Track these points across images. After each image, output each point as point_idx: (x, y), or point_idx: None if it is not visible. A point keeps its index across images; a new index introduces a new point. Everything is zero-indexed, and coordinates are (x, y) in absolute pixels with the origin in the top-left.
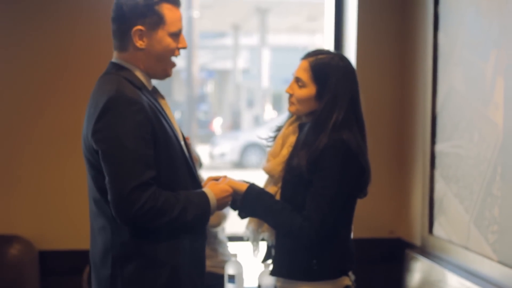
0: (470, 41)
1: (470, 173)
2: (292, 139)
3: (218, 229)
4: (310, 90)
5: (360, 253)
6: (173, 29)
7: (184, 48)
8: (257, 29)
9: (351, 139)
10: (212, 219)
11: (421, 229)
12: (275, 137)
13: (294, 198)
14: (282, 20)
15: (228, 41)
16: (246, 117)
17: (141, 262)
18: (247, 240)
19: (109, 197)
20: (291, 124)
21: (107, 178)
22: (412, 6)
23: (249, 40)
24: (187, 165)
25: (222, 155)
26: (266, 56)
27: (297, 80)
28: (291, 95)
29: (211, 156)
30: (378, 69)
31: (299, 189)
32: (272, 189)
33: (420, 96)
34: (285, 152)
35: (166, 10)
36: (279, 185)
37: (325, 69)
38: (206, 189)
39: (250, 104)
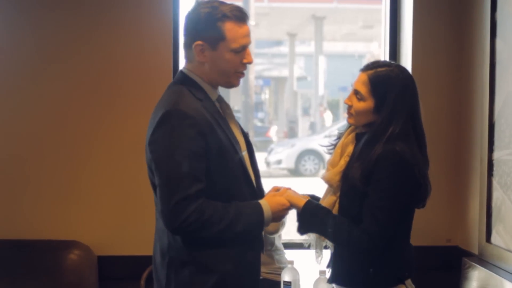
0: None
1: None
2: (350, 148)
3: (275, 236)
4: (368, 103)
5: (417, 261)
6: (235, 45)
7: (249, 63)
8: (313, 36)
9: (405, 150)
10: (270, 226)
11: (479, 238)
12: (335, 146)
13: (351, 208)
14: (338, 28)
15: (284, 49)
16: (302, 125)
17: (192, 267)
18: (309, 247)
19: (159, 207)
20: (350, 133)
21: (157, 188)
22: (469, 13)
23: (305, 47)
24: (245, 176)
25: (278, 162)
26: (322, 63)
27: (356, 92)
28: (350, 107)
29: (267, 163)
30: (434, 76)
31: (355, 200)
32: (331, 199)
33: (478, 103)
34: (343, 162)
35: (228, 26)
36: (338, 194)
37: (384, 83)
38: (262, 201)
39: (306, 111)
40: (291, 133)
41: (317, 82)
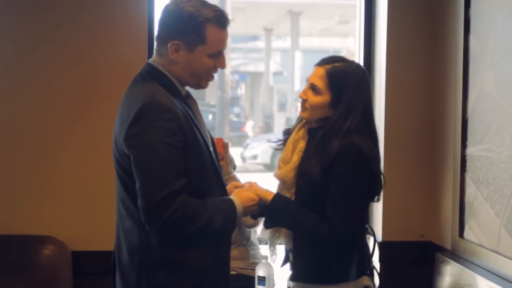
0: (501, 44)
1: (501, 177)
2: (302, 144)
3: (251, 231)
4: (324, 97)
5: (391, 256)
6: (212, 50)
7: (221, 67)
8: (289, 32)
9: (363, 143)
10: (249, 220)
11: (452, 233)
12: (285, 141)
13: (309, 203)
14: (314, 23)
15: (260, 44)
16: (278, 120)
17: (168, 268)
18: (265, 243)
19: (139, 203)
20: (300, 128)
21: (137, 184)
22: (443, 9)
23: (281, 43)
24: (215, 172)
25: (254, 157)
26: (298, 59)
27: (312, 86)
28: (304, 101)
29: (243, 158)
30: (409, 72)
31: (313, 195)
32: (285, 195)
33: (451, 99)
34: (296, 158)
35: (210, 31)
36: (293, 190)
37: (341, 77)
38: (233, 197)
39: (282, 107)
40: (267, 128)
41: (293, 77)
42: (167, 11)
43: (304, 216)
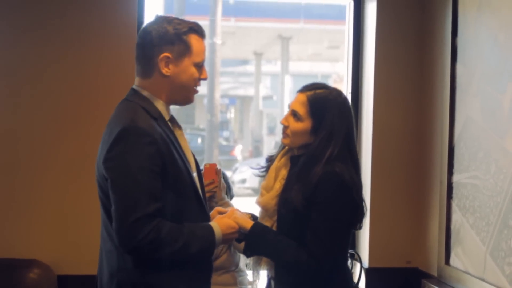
0: (487, 72)
1: (487, 204)
2: (284, 172)
3: (240, 257)
4: (306, 124)
5: (377, 282)
6: (198, 59)
7: (205, 79)
8: (279, 56)
9: (344, 171)
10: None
11: (438, 260)
12: (267, 168)
13: (291, 231)
14: (304, 48)
15: (250, 68)
16: (267, 144)
17: None
18: (248, 269)
19: (113, 225)
20: (282, 156)
21: (113, 207)
22: (430, 37)
23: (271, 67)
24: (196, 197)
25: (243, 181)
26: (288, 83)
27: (293, 113)
28: (286, 127)
29: (232, 182)
30: (396, 99)
31: (295, 223)
32: (267, 223)
33: (438, 126)
34: (278, 185)
35: (193, 40)
36: (274, 218)
37: (323, 104)
38: (213, 223)
39: (272, 131)
40: (256, 152)
41: (283, 101)
42: (148, 30)
43: (282, 245)
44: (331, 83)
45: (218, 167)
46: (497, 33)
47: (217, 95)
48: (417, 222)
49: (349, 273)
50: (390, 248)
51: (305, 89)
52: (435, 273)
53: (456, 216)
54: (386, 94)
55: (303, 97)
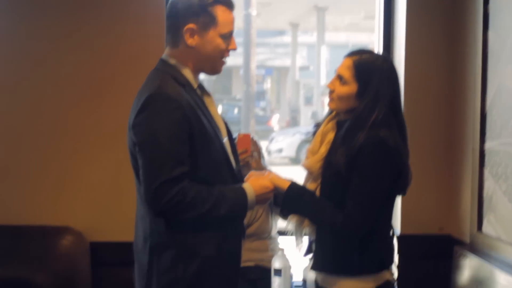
0: None
1: None
2: (330, 136)
3: (273, 225)
4: (351, 88)
5: (409, 249)
6: (224, 30)
7: (233, 49)
8: (315, 27)
9: (389, 137)
10: None
11: (470, 227)
12: (314, 133)
13: (333, 194)
14: (340, 18)
15: (286, 38)
16: (304, 114)
17: (175, 251)
18: (290, 234)
19: (142, 189)
20: (329, 121)
21: (140, 171)
22: (461, 4)
23: (307, 38)
24: (227, 161)
25: (279, 151)
26: (324, 53)
27: (339, 77)
28: (332, 91)
29: (268, 152)
30: (427, 68)
31: (337, 186)
32: (311, 186)
33: (470, 94)
34: (324, 149)
35: (219, 11)
36: (319, 181)
37: (368, 68)
38: (245, 185)
39: (308, 101)
40: (293, 122)
41: (319, 72)
42: (175, 2)
43: (319, 205)
44: None
45: (253, 137)
46: None
47: (253, 65)
48: (449, 189)
49: (390, 240)
50: (422, 215)
51: (352, 53)
52: (467, 240)
53: (488, 183)
54: (417, 62)
55: (349, 61)
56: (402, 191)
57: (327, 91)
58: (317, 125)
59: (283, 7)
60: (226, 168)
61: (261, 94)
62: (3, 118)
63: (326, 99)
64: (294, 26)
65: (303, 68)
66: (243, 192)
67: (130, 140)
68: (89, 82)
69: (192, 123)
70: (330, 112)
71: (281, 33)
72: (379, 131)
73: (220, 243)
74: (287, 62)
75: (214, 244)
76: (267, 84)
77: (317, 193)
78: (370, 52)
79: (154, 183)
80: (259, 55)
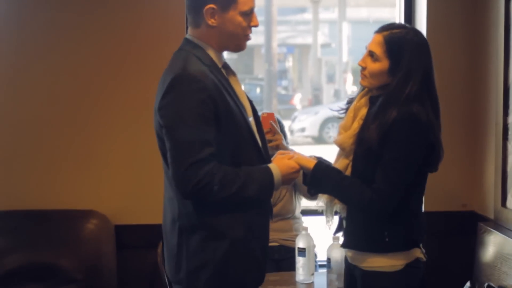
0: None
1: None
2: (363, 111)
3: (297, 205)
4: (383, 64)
5: (433, 226)
6: (245, 8)
7: (255, 26)
8: (336, 3)
9: (421, 112)
10: None
11: (494, 202)
12: (347, 110)
13: (365, 171)
14: None
15: (307, 16)
16: (327, 92)
17: (203, 233)
18: (321, 212)
19: (170, 171)
20: (362, 97)
21: (168, 153)
22: None
23: (329, 14)
24: (253, 141)
25: (302, 130)
26: (345, 30)
27: (371, 53)
28: (363, 68)
29: (291, 131)
30: (449, 40)
31: (369, 162)
32: (343, 162)
33: (492, 67)
34: (356, 125)
35: None
36: (351, 157)
37: (399, 43)
38: (271, 165)
39: (331, 78)
40: (316, 100)
41: (341, 49)
42: None
43: (346, 182)
44: None
45: (276, 116)
46: None
47: (275, 44)
48: (472, 164)
49: (421, 217)
50: (445, 192)
51: (382, 29)
52: (491, 216)
53: None
54: (439, 36)
55: (379, 37)
56: (434, 167)
57: (349, 68)
58: (350, 102)
59: None
60: (252, 147)
61: (283, 73)
62: (28, 103)
63: (349, 77)
64: (315, 3)
65: (325, 46)
66: (269, 173)
67: (157, 122)
68: (113, 64)
69: (217, 103)
70: (363, 88)
71: (302, 10)
72: (412, 106)
73: (248, 223)
74: (308, 39)
75: (242, 225)
76: (289, 63)
77: (349, 169)
78: (400, 27)
79: (183, 165)
80: (280, 33)
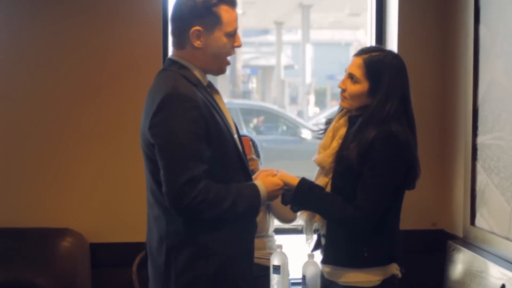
0: (511, 33)
1: (511, 164)
2: (342, 131)
3: (270, 224)
4: (363, 86)
5: (403, 244)
6: (229, 29)
7: (238, 46)
8: (300, 25)
9: (400, 131)
10: (289, 214)
11: (463, 221)
12: (325, 130)
13: (344, 189)
14: (325, 16)
15: (271, 37)
16: (290, 113)
17: (193, 251)
18: (301, 230)
19: (163, 189)
20: (341, 117)
21: (161, 171)
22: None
23: (292, 36)
24: (239, 158)
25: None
26: (309, 52)
27: (351, 76)
28: (343, 90)
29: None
30: (420, 62)
31: (349, 180)
32: (323, 180)
33: (462, 88)
34: (335, 144)
35: (223, 11)
36: (330, 176)
37: (379, 66)
38: (257, 182)
39: (294, 100)
40: None
41: (304, 70)
42: (179, 4)
43: (329, 199)
44: (352, 51)
45: (250, 136)
46: None
47: (239, 65)
48: (442, 184)
49: (398, 234)
50: (415, 211)
51: (361, 52)
52: (460, 234)
53: (481, 177)
54: (409, 58)
55: (359, 60)
56: (412, 184)
57: (312, 89)
58: (328, 122)
59: (268, 5)
60: (239, 165)
61: (246, 94)
62: (2, 120)
63: (312, 98)
64: (279, 25)
65: (288, 67)
66: (256, 189)
67: (146, 141)
68: (88, 83)
69: (208, 121)
70: (341, 108)
71: (265, 32)
72: (390, 125)
73: (236, 240)
74: (272, 61)
75: (231, 242)
76: (253, 84)
77: (329, 187)
78: (379, 50)
79: (177, 182)
80: (244, 55)
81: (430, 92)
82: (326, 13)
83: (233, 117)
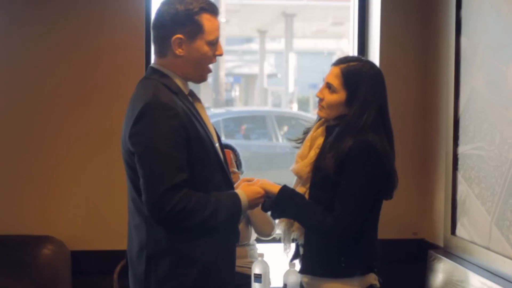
0: (491, 45)
1: (492, 175)
2: (320, 141)
3: (252, 233)
4: (340, 95)
5: (384, 254)
6: (211, 37)
7: (220, 55)
8: (283, 34)
9: (377, 141)
10: (267, 229)
11: (444, 230)
12: (303, 139)
13: (322, 198)
14: (308, 25)
15: (254, 46)
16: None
17: (174, 259)
18: (279, 239)
19: (143, 198)
20: (319, 127)
21: (141, 180)
22: (435, 10)
23: (276, 45)
24: (220, 166)
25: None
26: (292, 60)
27: (328, 85)
28: (321, 100)
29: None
30: (401, 73)
31: (326, 190)
32: (301, 190)
33: (443, 99)
34: (313, 153)
35: (205, 19)
36: (308, 185)
37: (356, 76)
38: (238, 191)
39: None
40: None
41: (287, 79)
42: (161, 12)
43: (309, 208)
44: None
45: (231, 145)
46: (500, 5)
47: (222, 73)
48: (423, 193)
49: (376, 244)
50: (396, 220)
51: (339, 62)
52: (441, 244)
53: (461, 187)
54: (391, 68)
55: (337, 69)
56: (389, 195)
57: (295, 98)
58: (306, 132)
59: (252, 14)
60: (220, 173)
61: (229, 102)
62: None
63: (295, 106)
64: (262, 33)
65: (271, 76)
66: (237, 198)
67: (127, 150)
68: (72, 91)
69: (188, 130)
70: (319, 118)
71: (248, 40)
72: (367, 135)
73: (217, 248)
74: (255, 69)
75: (211, 250)
76: (236, 92)
77: (306, 197)
78: (357, 60)
79: (157, 191)
80: (227, 63)
81: (411, 102)
82: (309, 22)
83: (250, 124)
